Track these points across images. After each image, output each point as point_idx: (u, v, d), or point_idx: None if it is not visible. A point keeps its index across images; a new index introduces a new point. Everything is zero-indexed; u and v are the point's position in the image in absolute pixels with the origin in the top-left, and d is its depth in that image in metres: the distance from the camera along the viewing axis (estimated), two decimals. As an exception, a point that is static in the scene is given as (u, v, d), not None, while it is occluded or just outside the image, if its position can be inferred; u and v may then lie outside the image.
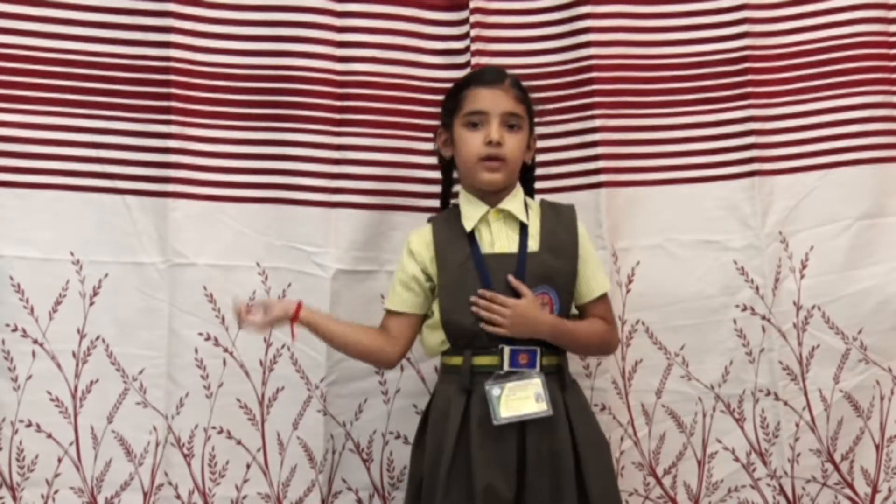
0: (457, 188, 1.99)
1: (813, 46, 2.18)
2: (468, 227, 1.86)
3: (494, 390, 1.77)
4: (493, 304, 1.78)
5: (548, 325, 1.81)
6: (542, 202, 1.93)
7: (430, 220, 1.95)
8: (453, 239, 1.86)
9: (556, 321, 1.82)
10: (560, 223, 1.88)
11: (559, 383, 1.82)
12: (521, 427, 1.77)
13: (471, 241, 1.85)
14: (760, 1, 2.20)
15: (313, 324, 1.85)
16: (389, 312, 1.92)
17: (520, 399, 1.76)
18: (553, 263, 1.84)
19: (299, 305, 1.84)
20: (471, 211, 1.87)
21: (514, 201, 1.88)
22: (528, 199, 1.92)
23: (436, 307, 1.86)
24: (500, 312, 1.78)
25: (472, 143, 1.85)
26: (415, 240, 1.90)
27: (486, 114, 1.84)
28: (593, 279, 1.89)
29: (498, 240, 1.85)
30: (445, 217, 1.93)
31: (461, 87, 1.91)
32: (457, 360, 1.83)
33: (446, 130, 1.92)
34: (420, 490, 1.82)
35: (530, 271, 1.81)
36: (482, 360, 1.80)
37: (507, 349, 1.79)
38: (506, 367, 1.79)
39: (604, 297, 1.91)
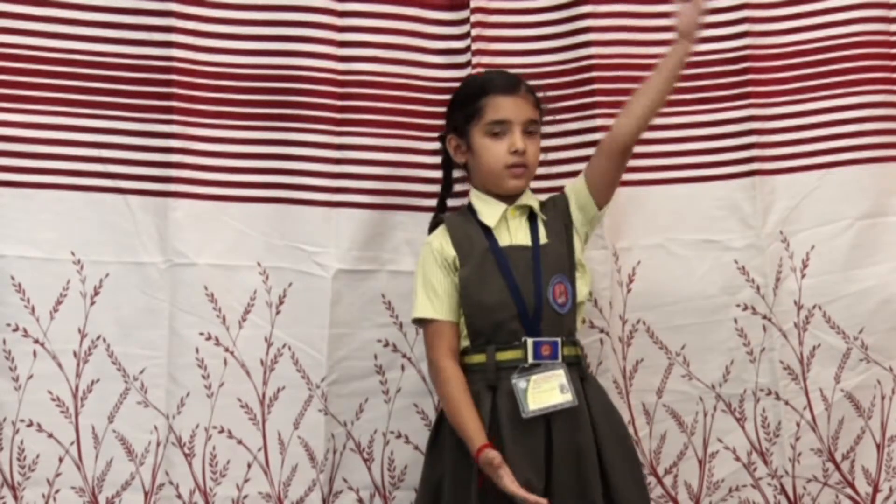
0: (459, 188, 2.02)
1: (813, 46, 2.18)
2: (491, 223, 1.88)
3: (521, 383, 1.78)
4: None
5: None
6: (542, 200, 1.96)
7: (437, 223, 1.95)
8: (471, 235, 1.89)
9: None
10: (557, 213, 1.92)
11: (579, 374, 1.84)
12: (547, 419, 1.78)
13: (488, 235, 1.87)
14: (760, 0, 2.20)
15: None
16: (438, 322, 1.86)
17: (546, 391, 1.78)
18: (559, 252, 1.87)
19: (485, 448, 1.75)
20: (489, 209, 1.90)
21: (530, 198, 1.93)
22: (531, 194, 1.96)
23: None
24: None
25: (496, 151, 1.87)
26: (434, 240, 1.91)
27: (508, 122, 1.87)
28: (578, 181, 1.93)
29: (516, 234, 1.88)
30: (457, 217, 1.94)
31: (477, 94, 1.90)
32: (478, 358, 1.84)
33: (459, 137, 1.93)
34: (437, 492, 1.82)
35: (545, 261, 1.85)
36: (505, 355, 1.81)
37: (530, 342, 1.80)
38: (530, 359, 1.80)
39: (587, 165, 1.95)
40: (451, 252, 1.87)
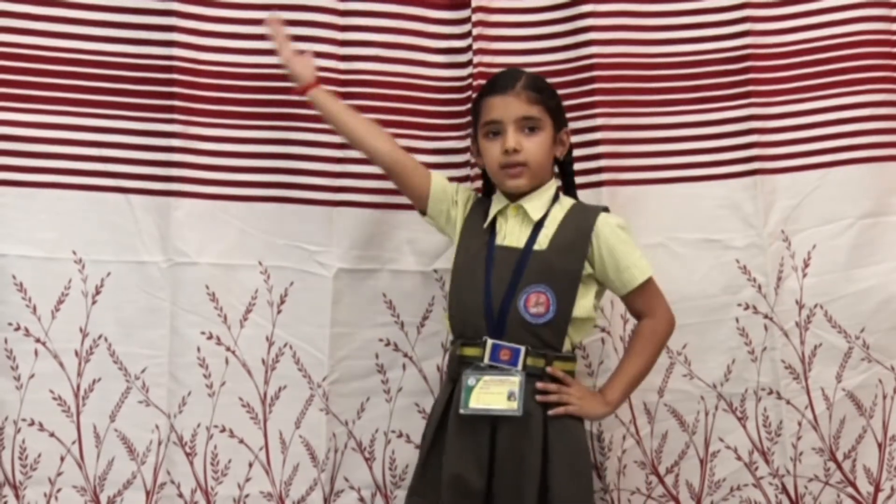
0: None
1: (814, 45, 2.18)
2: (486, 221, 1.89)
3: (470, 380, 1.78)
4: (560, 387, 1.79)
5: (613, 400, 1.85)
6: (576, 203, 1.92)
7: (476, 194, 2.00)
8: (478, 225, 1.90)
9: (616, 387, 1.86)
10: (577, 223, 1.86)
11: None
12: (494, 422, 1.77)
13: (491, 232, 1.87)
14: (761, 0, 2.20)
15: (323, 107, 1.96)
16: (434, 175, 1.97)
17: (493, 394, 1.76)
18: (556, 263, 1.82)
19: (316, 84, 1.96)
20: (494, 205, 1.90)
21: (536, 199, 1.88)
22: (565, 198, 1.92)
23: None
24: (567, 392, 1.79)
25: (492, 152, 1.87)
26: (470, 190, 1.99)
27: (500, 122, 1.86)
28: (625, 272, 1.85)
29: (510, 234, 1.86)
30: (482, 203, 1.95)
31: (478, 98, 1.93)
32: (452, 348, 1.87)
33: (474, 143, 1.95)
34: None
35: (530, 268, 1.81)
36: (469, 351, 1.82)
37: (489, 342, 1.79)
38: (486, 359, 1.79)
39: (642, 288, 1.86)
40: (463, 202, 1.94)
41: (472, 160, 2.00)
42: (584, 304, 1.84)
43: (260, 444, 2.11)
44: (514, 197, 1.88)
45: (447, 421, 1.81)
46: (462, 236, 1.91)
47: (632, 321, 2.13)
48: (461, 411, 1.76)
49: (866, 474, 2.14)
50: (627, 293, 1.87)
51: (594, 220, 1.86)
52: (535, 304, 1.80)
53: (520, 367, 1.78)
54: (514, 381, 1.77)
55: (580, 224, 1.86)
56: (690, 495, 2.16)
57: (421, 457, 1.85)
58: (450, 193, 1.95)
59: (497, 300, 1.80)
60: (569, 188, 1.96)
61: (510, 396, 1.76)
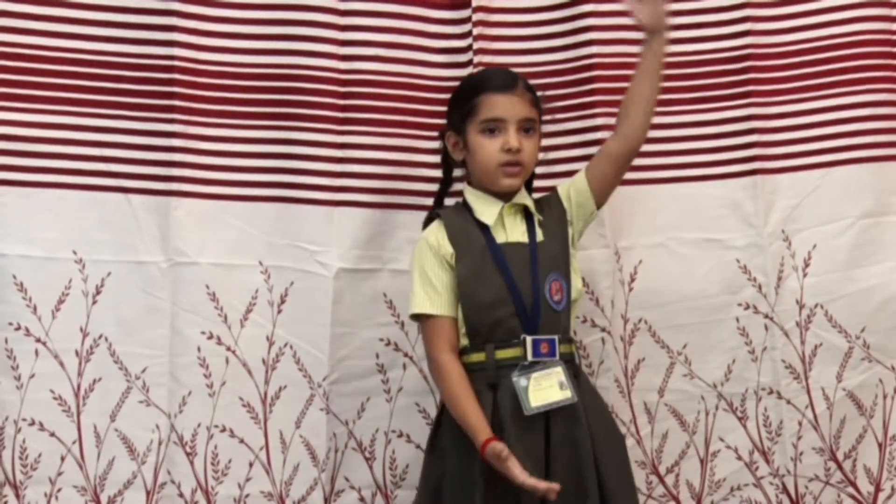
0: (457, 186, 2.01)
1: (815, 45, 2.19)
2: (489, 221, 1.87)
3: (522, 381, 1.78)
4: None
5: None
6: (536, 199, 1.96)
7: (432, 217, 1.94)
8: (467, 232, 1.88)
9: None
10: (552, 212, 1.92)
11: (573, 371, 1.84)
12: (547, 416, 1.78)
13: (485, 233, 1.87)
14: (761, -1, 2.21)
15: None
16: (437, 318, 1.84)
17: (546, 388, 1.78)
18: (555, 249, 1.87)
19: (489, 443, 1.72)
20: (486, 207, 1.89)
21: (525, 197, 1.92)
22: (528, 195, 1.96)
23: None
24: None
25: (490, 149, 1.87)
26: (430, 235, 1.90)
27: (503, 121, 1.86)
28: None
29: (511, 232, 1.88)
30: (453, 213, 1.93)
31: (473, 91, 1.90)
32: (478, 357, 1.83)
33: (457, 134, 1.93)
34: (437, 492, 1.82)
35: (541, 259, 1.85)
36: (505, 353, 1.81)
37: (529, 339, 1.80)
38: (529, 357, 1.80)
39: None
40: (448, 248, 1.86)
41: (451, 151, 1.94)
42: (576, 283, 1.90)
43: (260, 443, 2.11)
44: (504, 198, 1.90)
45: (498, 427, 1.76)
46: (458, 251, 1.86)
47: (633, 321, 2.16)
48: (526, 413, 1.76)
49: (867, 474, 2.14)
50: (590, 177, 1.93)
51: (556, 196, 1.94)
52: (556, 291, 1.84)
53: (557, 356, 1.81)
54: (559, 371, 1.80)
55: (553, 210, 1.92)
56: (691, 495, 2.16)
57: (480, 468, 1.74)
58: (448, 274, 1.85)
59: (526, 295, 1.82)
60: (529, 188, 2.00)
61: (562, 386, 1.79)
